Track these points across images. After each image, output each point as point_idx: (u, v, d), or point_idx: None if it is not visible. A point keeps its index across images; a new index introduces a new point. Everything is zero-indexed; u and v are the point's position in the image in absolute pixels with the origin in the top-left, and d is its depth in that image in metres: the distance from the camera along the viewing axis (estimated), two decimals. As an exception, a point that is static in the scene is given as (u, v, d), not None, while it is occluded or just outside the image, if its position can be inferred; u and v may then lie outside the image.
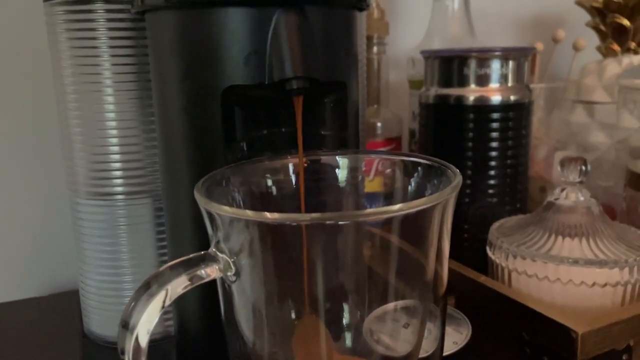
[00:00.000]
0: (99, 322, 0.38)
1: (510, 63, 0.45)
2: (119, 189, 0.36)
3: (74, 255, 0.39)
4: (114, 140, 0.35)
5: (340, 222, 0.21)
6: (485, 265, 0.42)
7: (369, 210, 0.21)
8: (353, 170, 0.31)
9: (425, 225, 0.23)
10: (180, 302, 0.33)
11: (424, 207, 0.22)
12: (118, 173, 0.35)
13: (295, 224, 0.21)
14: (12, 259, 0.52)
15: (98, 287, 0.37)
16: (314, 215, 0.20)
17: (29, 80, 0.50)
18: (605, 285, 0.36)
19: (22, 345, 0.39)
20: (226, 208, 0.22)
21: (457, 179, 0.23)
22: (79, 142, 0.35)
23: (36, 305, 0.46)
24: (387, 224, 0.22)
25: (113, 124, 0.35)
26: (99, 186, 0.36)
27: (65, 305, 0.44)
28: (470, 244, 0.46)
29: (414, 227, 0.23)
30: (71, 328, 0.41)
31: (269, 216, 0.21)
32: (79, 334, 0.39)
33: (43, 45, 0.37)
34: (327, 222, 0.21)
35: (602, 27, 0.62)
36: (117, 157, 0.35)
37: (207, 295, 0.30)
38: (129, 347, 0.21)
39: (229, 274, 0.22)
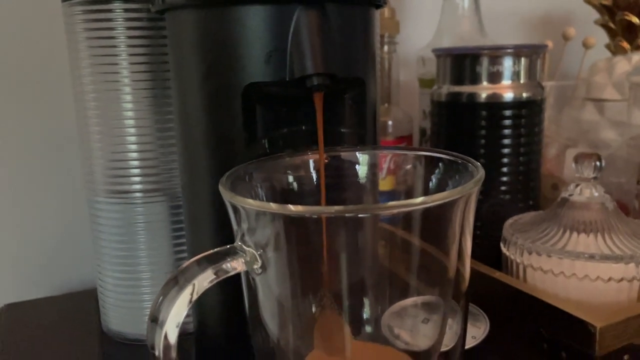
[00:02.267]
0: (117, 319, 0.38)
1: (523, 60, 0.45)
2: (136, 186, 0.36)
3: (90, 254, 0.39)
4: (132, 139, 0.35)
5: (361, 215, 0.21)
6: (498, 262, 0.42)
7: (391, 204, 0.22)
8: (373, 167, 0.31)
9: (447, 221, 0.24)
10: (199, 299, 0.33)
11: (446, 200, 0.22)
12: (135, 171, 0.36)
13: (316, 216, 0.21)
14: (29, 259, 0.52)
15: (115, 285, 0.37)
16: (336, 207, 0.21)
17: (47, 80, 0.50)
18: (621, 280, 0.36)
19: (42, 343, 0.40)
20: (251, 201, 0.22)
21: (480, 173, 0.24)
22: (97, 140, 0.36)
23: (54, 304, 0.46)
24: (408, 218, 0.23)
25: (131, 122, 0.35)
26: (116, 184, 0.36)
27: (82, 303, 0.45)
28: (482, 241, 0.46)
29: (436, 222, 0.24)
30: (89, 326, 0.41)
31: (292, 209, 0.21)
32: (97, 331, 0.40)
33: (61, 45, 0.37)
34: (348, 214, 0.21)
35: (612, 25, 0.62)
36: (134, 155, 0.35)
37: (227, 292, 0.30)
38: (159, 342, 0.22)
39: (254, 267, 0.23)
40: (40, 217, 0.52)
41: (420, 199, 0.22)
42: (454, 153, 0.26)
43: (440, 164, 0.27)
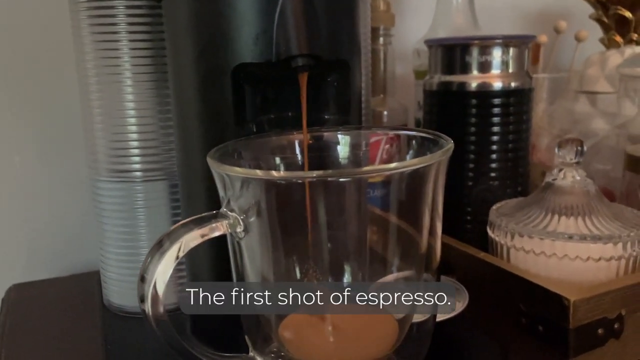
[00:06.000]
0: (118, 293, 0.40)
1: (511, 50, 0.46)
2: (137, 166, 0.38)
3: (92, 240, 0.41)
4: (132, 121, 0.37)
5: (342, 179, 0.23)
6: (486, 247, 0.43)
7: (367, 168, 0.23)
8: (355, 147, 0.32)
9: (418, 190, 0.25)
10: (194, 274, 0.35)
11: (418, 166, 0.24)
12: (135, 151, 0.38)
13: (300, 181, 0.23)
14: (36, 244, 0.55)
15: (117, 260, 0.40)
16: (317, 172, 0.22)
17: (51, 66, 0.52)
18: (599, 259, 0.37)
19: (47, 317, 0.42)
20: (237, 169, 0.24)
21: (449, 144, 0.25)
22: (99, 122, 0.38)
23: (58, 284, 0.48)
24: (385, 186, 0.24)
25: (131, 105, 0.37)
26: (118, 164, 0.38)
27: (85, 283, 0.47)
28: (472, 226, 0.48)
29: (409, 191, 0.25)
30: (92, 302, 0.43)
31: (276, 174, 0.23)
32: (99, 307, 0.42)
33: (66, 33, 0.39)
34: (330, 178, 0.23)
35: (605, 20, 0.63)
36: (135, 136, 0.37)
37: (221, 267, 0.32)
38: (148, 295, 0.23)
39: (238, 230, 0.24)
40: (47, 204, 0.54)
41: (394, 164, 0.24)
42: (427, 130, 0.28)
43: (413, 142, 0.29)
